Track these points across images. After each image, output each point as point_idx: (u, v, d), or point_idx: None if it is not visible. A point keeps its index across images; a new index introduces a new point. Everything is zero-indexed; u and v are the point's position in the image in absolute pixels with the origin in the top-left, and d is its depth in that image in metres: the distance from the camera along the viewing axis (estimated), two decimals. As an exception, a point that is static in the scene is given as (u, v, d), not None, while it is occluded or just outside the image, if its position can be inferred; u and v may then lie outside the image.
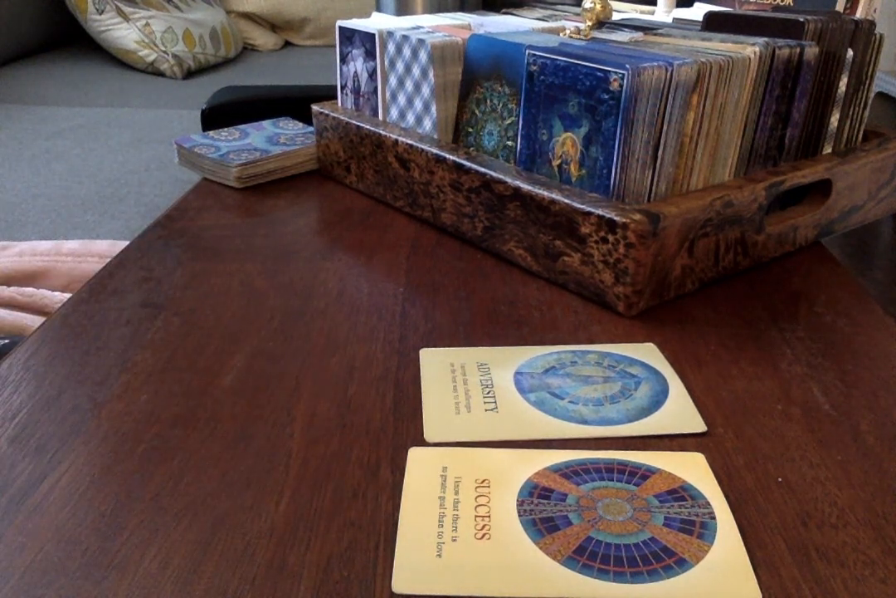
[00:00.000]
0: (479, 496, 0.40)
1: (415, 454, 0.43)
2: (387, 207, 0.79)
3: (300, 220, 0.76)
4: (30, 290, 0.97)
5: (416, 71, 0.73)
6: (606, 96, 0.56)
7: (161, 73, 2.13)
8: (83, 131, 1.62)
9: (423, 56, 0.71)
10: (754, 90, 0.61)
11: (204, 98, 1.50)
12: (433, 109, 0.72)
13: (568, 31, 0.70)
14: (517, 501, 0.40)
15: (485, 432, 0.45)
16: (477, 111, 0.69)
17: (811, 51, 0.63)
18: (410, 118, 0.76)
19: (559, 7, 0.95)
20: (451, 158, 0.67)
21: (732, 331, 0.56)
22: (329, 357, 0.53)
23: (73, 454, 0.43)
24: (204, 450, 0.44)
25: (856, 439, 0.45)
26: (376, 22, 0.80)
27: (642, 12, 0.94)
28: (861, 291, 0.62)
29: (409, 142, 0.71)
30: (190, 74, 2.16)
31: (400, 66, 0.75)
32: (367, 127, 0.77)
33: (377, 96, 0.79)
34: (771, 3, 0.80)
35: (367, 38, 0.77)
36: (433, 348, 0.54)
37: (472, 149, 0.70)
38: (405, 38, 0.73)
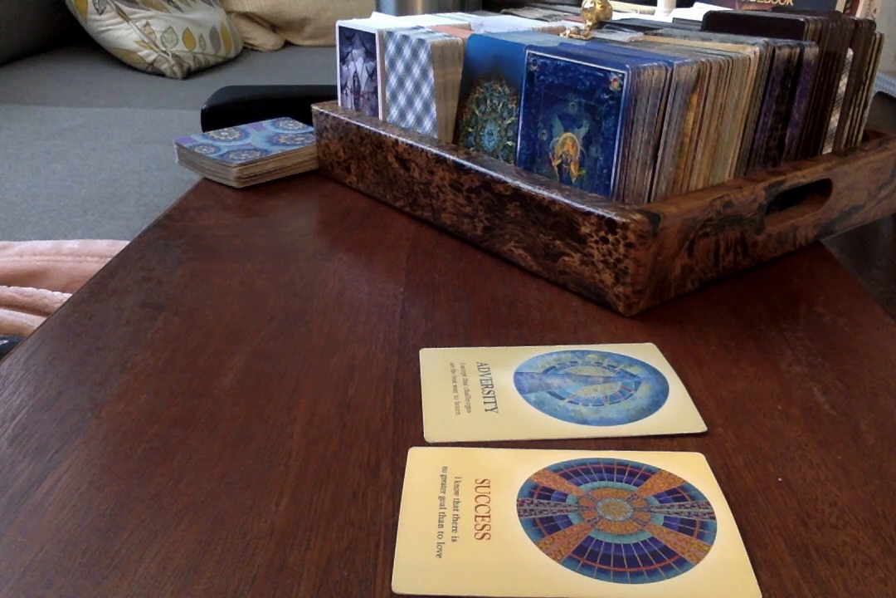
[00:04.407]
0: (479, 496, 0.40)
1: (415, 454, 0.43)
2: (387, 207, 0.79)
3: (300, 220, 0.76)
4: (30, 290, 0.97)
5: (416, 71, 0.73)
6: (606, 96, 0.56)
7: (161, 73, 2.13)
8: (83, 131, 1.63)
9: (423, 56, 0.71)
10: (754, 90, 0.61)
11: (204, 98, 1.50)
12: (433, 109, 0.72)
13: (568, 31, 0.70)
14: (517, 501, 0.40)
15: (485, 432, 0.45)
16: (477, 111, 0.69)
17: (811, 51, 0.63)
18: (410, 118, 0.76)
19: (559, 7, 0.95)
20: (451, 158, 0.67)
21: (732, 331, 0.56)
22: (329, 357, 0.53)
23: (73, 454, 0.43)
24: (204, 450, 0.44)
25: (856, 439, 0.45)
26: (376, 22, 0.80)
27: (642, 12, 0.94)
28: (861, 291, 0.62)
29: (409, 142, 0.71)
30: (190, 74, 2.17)
31: (400, 66, 0.75)
32: (367, 127, 0.77)
33: (377, 96, 0.79)
34: (771, 3, 0.80)
35: (367, 38, 0.77)
36: (433, 348, 0.54)
37: (472, 149, 0.70)
38: (405, 38, 0.73)
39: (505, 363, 0.52)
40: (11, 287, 0.97)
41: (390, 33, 0.74)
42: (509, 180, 0.62)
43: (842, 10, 0.74)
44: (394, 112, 0.78)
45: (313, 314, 0.58)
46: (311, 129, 0.94)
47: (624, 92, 0.55)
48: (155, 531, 0.38)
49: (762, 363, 0.52)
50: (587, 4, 0.69)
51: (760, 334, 0.56)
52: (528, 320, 0.58)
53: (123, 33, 2.12)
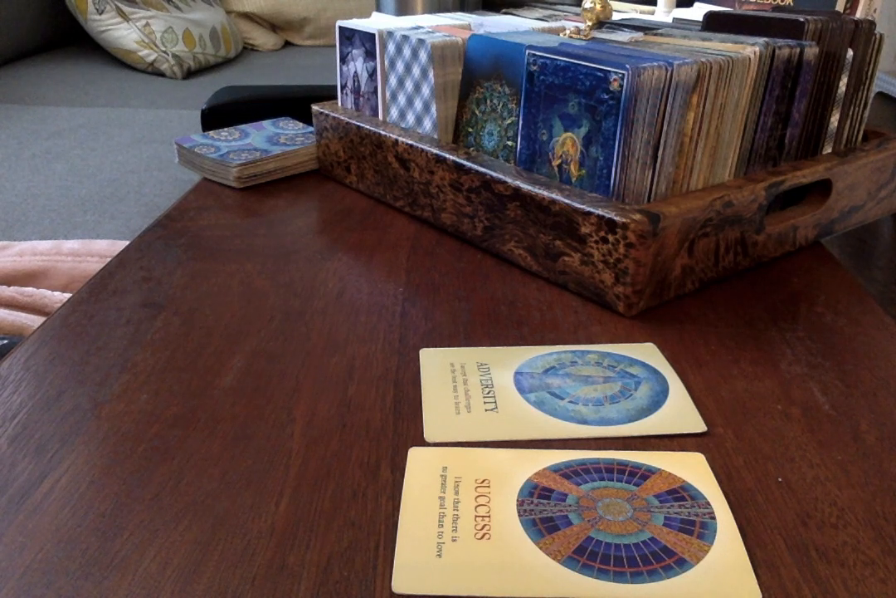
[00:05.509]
0: (479, 496, 0.40)
1: (415, 454, 0.43)
2: (387, 207, 0.79)
3: (300, 220, 0.76)
4: (30, 290, 0.97)
5: (416, 71, 0.73)
6: (606, 96, 0.56)
7: (161, 73, 2.13)
8: (83, 131, 1.63)
9: (423, 56, 0.71)
10: (754, 90, 0.61)
11: (204, 98, 1.50)
12: (433, 109, 0.72)
13: (568, 31, 0.70)
14: (517, 501, 0.40)
15: (485, 432, 0.45)
16: (477, 111, 0.69)
17: (811, 51, 0.63)
18: (410, 118, 0.76)
19: (559, 7, 0.95)
20: (451, 158, 0.67)
21: (732, 331, 0.56)
22: (329, 357, 0.53)
23: (73, 454, 0.43)
24: (204, 450, 0.44)
25: (856, 439, 0.45)
26: (376, 22, 0.80)
27: (642, 12, 0.94)
28: (861, 291, 0.62)
29: (409, 142, 0.71)
30: (190, 74, 2.16)
31: (400, 66, 0.75)
32: (367, 127, 0.77)
33: (377, 96, 0.79)
34: (771, 3, 0.80)
35: (367, 38, 0.77)
36: (433, 348, 0.54)
37: (472, 149, 0.70)
38: (405, 38, 0.73)
39: (505, 363, 0.52)
40: (11, 287, 0.98)
41: (390, 33, 0.74)
42: (509, 180, 0.62)
43: (842, 10, 0.74)
44: (394, 112, 0.78)
45: (313, 314, 0.58)
46: (311, 129, 0.94)
47: (624, 92, 0.55)
48: (155, 531, 0.38)
49: (762, 363, 0.52)
50: (587, 4, 0.69)
51: (760, 334, 0.56)
52: (528, 320, 0.58)
53: (123, 33, 2.12)
